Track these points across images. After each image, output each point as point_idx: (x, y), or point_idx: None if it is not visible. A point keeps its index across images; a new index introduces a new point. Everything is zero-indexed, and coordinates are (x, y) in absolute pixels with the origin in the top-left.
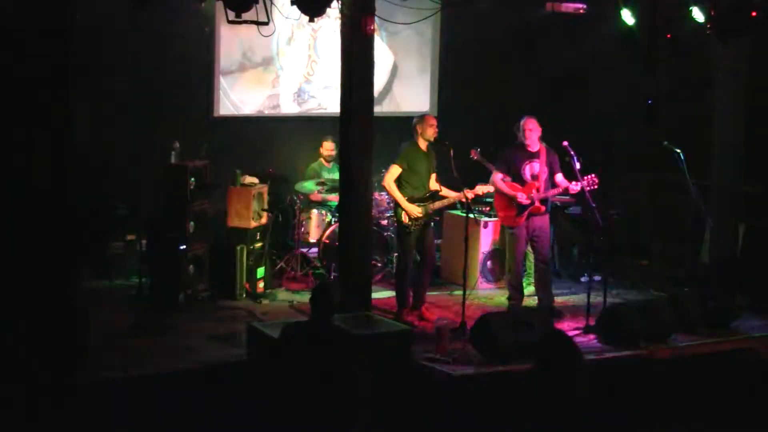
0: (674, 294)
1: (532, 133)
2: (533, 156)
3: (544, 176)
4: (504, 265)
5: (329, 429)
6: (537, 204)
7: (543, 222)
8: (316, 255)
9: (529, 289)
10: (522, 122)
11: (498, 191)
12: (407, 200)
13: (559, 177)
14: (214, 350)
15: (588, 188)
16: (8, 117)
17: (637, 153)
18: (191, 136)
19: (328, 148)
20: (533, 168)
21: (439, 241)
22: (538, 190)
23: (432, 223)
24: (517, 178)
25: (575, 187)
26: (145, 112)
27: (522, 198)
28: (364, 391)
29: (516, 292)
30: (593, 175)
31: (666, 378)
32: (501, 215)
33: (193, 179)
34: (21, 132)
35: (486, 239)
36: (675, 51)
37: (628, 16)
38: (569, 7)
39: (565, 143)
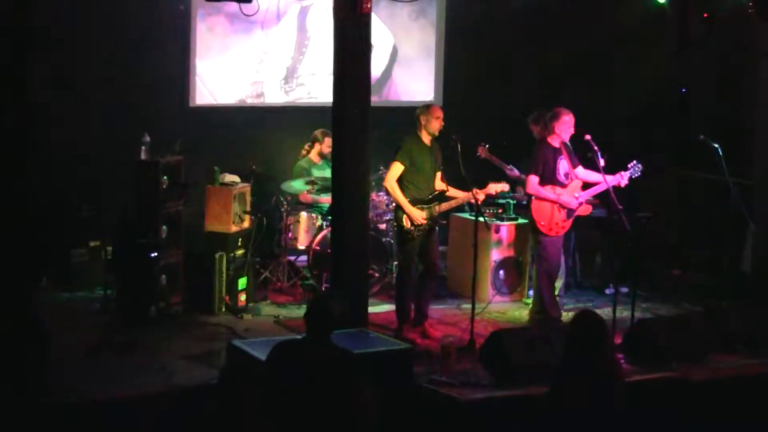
0: (711, 307)
1: (570, 128)
2: (559, 152)
3: (573, 173)
4: (518, 275)
5: None
6: (586, 205)
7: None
8: (305, 263)
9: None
10: (560, 114)
11: (539, 198)
12: (410, 202)
13: (582, 171)
14: (189, 371)
15: (635, 176)
16: None
17: (669, 148)
18: (164, 128)
19: (330, 144)
20: (564, 166)
21: (445, 248)
22: (582, 189)
23: (437, 228)
24: (551, 179)
25: (623, 180)
26: (111, 102)
27: (571, 202)
28: (371, 420)
29: (555, 308)
30: (635, 162)
31: (702, 403)
32: (545, 224)
33: (165, 177)
34: None
35: (498, 246)
36: (711, 33)
37: None
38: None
39: (588, 137)
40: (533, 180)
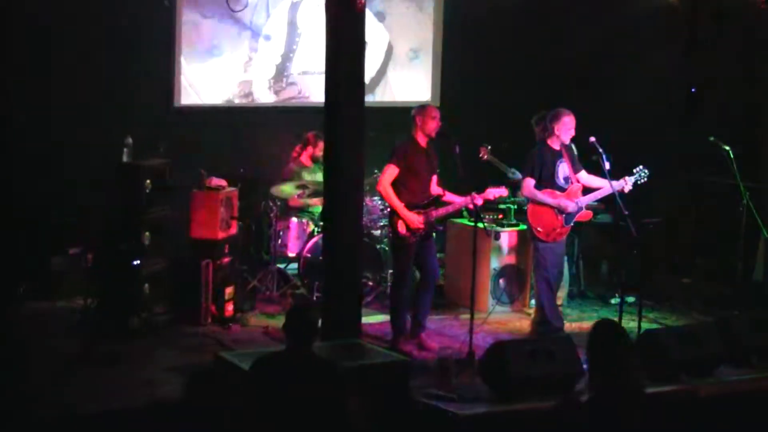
0: (722, 318)
1: (570, 130)
2: (559, 155)
3: (574, 177)
4: (519, 283)
5: None
6: (586, 210)
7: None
8: (295, 272)
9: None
10: (560, 115)
11: (535, 202)
12: (405, 207)
13: (585, 175)
14: (174, 384)
15: (641, 181)
16: None
17: (677, 151)
18: (147, 129)
19: (322, 146)
20: (564, 169)
21: (442, 255)
22: (583, 193)
23: (434, 234)
24: (550, 182)
25: (627, 185)
26: (92, 102)
27: (570, 206)
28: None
29: (558, 318)
30: (641, 167)
31: (712, 419)
32: (542, 229)
33: (149, 181)
34: None
35: (498, 253)
36: (722, 30)
37: None
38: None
39: (593, 139)
40: (529, 183)
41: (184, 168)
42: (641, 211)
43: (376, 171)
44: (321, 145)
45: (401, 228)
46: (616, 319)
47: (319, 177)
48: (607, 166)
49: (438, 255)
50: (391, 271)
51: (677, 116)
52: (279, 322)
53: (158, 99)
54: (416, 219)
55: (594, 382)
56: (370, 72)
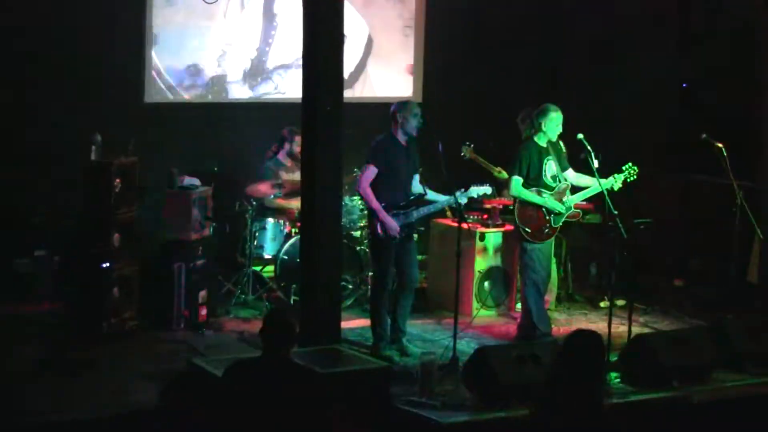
0: (716, 322)
1: (558, 126)
2: (546, 152)
3: (562, 175)
4: (505, 286)
5: None
6: (575, 209)
7: None
8: (272, 274)
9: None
10: (547, 111)
11: (524, 201)
12: (385, 207)
13: (573, 173)
14: (145, 392)
15: (630, 179)
16: None
17: (670, 149)
18: (116, 126)
19: (300, 143)
20: (552, 167)
21: (425, 257)
22: (571, 192)
23: (415, 235)
24: (537, 181)
25: (616, 183)
26: (58, 97)
27: (558, 206)
28: None
29: (546, 322)
30: (630, 164)
31: (706, 426)
32: (531, 230)
33: (119, 180)
34: None
35: (483, 254)
36: (718, 27)
37: None
38: None
39: (581, 136)
40: (516, 182)
41: (156, 167)
42: (632, 211)
43: (355, 169)
44: (298, 139)
45: (380, 230)
46: (606, 321)
47: (297, 176)
48: (596, 164)
49: (420, 257)
50: (371, 273)
51: (670, 114)
52: (255, 326)
53: (128, 95)
54: (394, 226)
55: (558, 393)
56: (349, 66)
